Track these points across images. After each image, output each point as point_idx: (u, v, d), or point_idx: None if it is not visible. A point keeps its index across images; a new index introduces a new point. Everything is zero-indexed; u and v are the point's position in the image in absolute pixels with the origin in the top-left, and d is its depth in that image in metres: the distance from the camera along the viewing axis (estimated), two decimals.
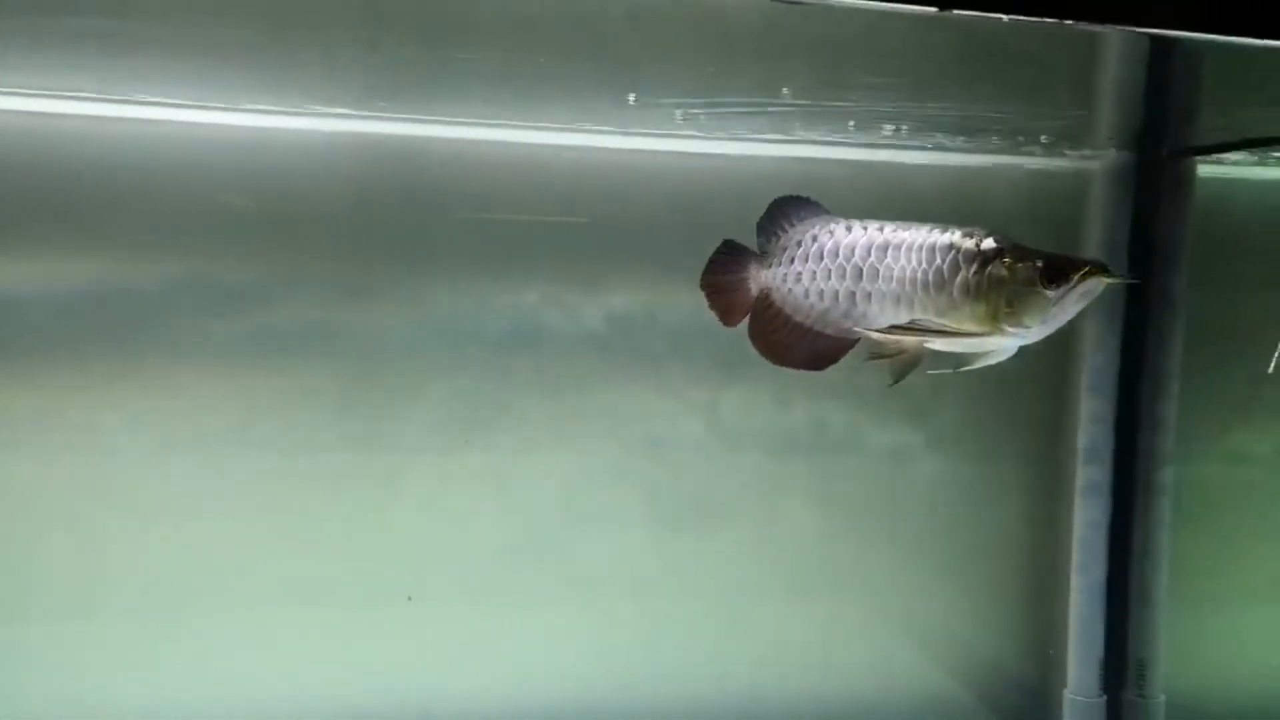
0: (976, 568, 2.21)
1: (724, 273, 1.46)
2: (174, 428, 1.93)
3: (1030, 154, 2.11)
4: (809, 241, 1.40)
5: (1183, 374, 2.10)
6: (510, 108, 1.93)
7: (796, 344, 1.42)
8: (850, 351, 1.40)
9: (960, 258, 1.32)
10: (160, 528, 1.94)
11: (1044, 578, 2.20)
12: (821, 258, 1.39)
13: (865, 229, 1.38)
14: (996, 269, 1.31)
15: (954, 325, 1.34)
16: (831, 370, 2.06)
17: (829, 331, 1.40)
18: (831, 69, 1.64)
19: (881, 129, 1.98)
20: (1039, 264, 1.29)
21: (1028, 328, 1.31)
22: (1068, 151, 2.09)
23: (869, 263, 1.37)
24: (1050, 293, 1.28)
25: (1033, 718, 2.22)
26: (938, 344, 1.36)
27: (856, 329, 1.39)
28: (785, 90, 1.70)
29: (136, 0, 1.38)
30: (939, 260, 1.34)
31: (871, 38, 1.45)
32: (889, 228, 1.37)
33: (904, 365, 1.39)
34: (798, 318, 1.41)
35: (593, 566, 2.09)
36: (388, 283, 2.00)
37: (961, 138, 2.04)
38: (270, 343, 1.96)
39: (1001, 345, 1.35)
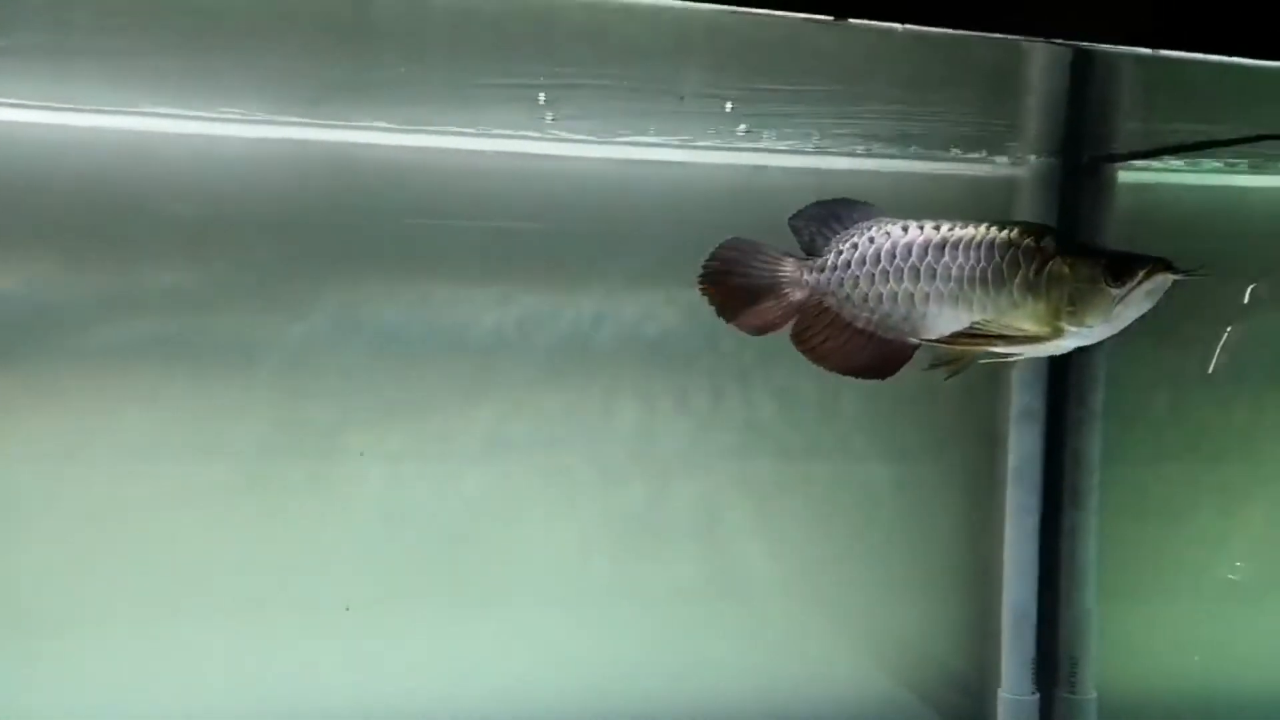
0: (915, 569, 2.23)
1: (748, 275, 1.38)
2: (89, 437, 1.91)
3: (963, 161, 2.14)
4: (865, 243, 1.35)
5: (1110, 376, 2.14)
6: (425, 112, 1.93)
7: (859, 350, 1.37)
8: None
9: (1020, 255, 1.28)
10: (70, 537, 1.91)
11: (980, 578, 2.22)
12: (879, 259, 1.34)
13: (921, 228, 1.34)
14: (1057, 266, 1.27)
15: (1014, 327, 1.30)
16: (768, 369, 2.10)
17: (889, 335, 1.35)
18: (762, 75, 1.65)
19: (812, 137, 2.01)
20: (1103, 261, 1.25)
21: (1090, 327, 1.27)
22: (995, 158, 2.12)
23: (926, 262, 1.32)
24: (1115, 290, 1.24)
25: (971, 716, 2.24)
26: (999, 347, 1.32)
27: (920, 338, 1.34)
28: (683, 94, 1.70)
29: (69, 14, 1.36)
30: (997, 258, 1.29)
31: (798, 45, 1.46)
32: (945, 226, 1.33)
33: (963, 365, 1.36)
34: (858, 323, 1.36)
35: (518, 572, 2.08)
36: (309, 290, 1.98)
37: (895, 146, 2.07)
38: (185, 351, 1.94)
39: (1060, 346, 1.31)
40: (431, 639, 2.06)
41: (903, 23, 1.09)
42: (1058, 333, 1.29)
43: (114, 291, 1.93)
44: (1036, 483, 2.14)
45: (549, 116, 1.84)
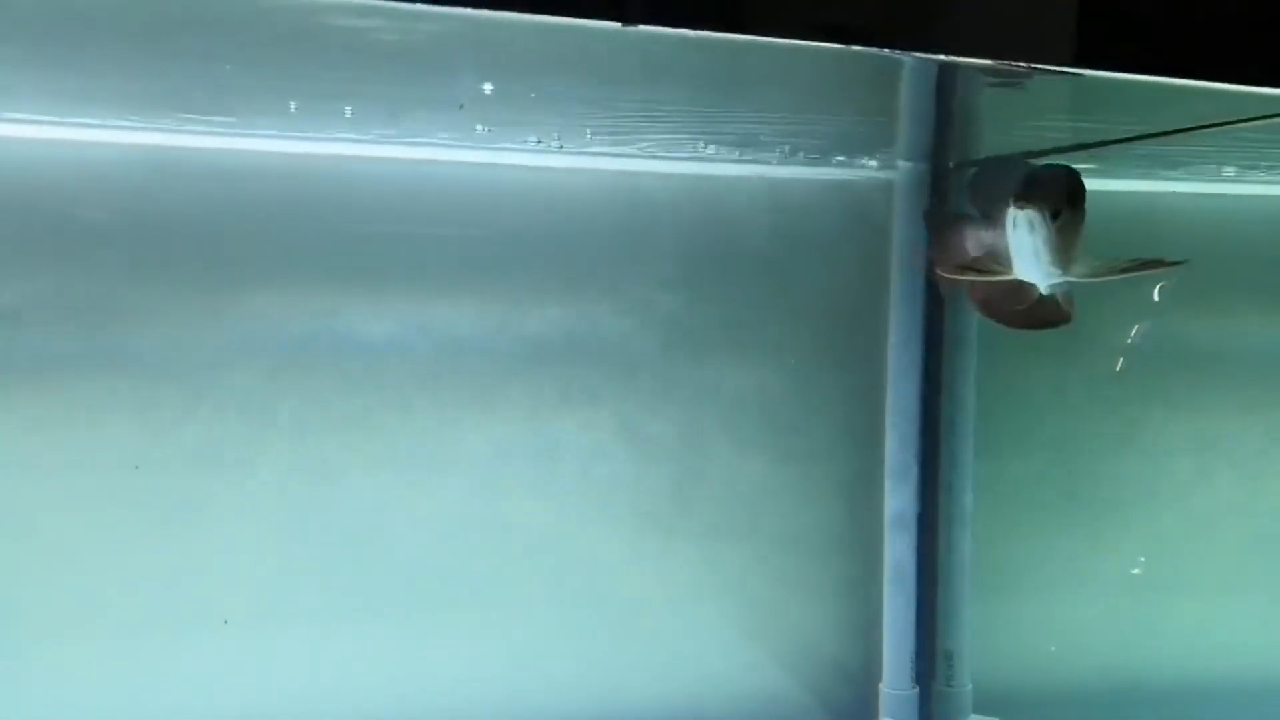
0: (802, 564, 2.26)
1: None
2: None
3: (840, 166, 2.18)
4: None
5: (982, 371, 2.20)
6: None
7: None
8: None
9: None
10: None
11: (864, 573, 2.26)
12: None
13: None
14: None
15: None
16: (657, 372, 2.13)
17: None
18: (624, 84, 1.65)
19: (694, 144, 2.01)
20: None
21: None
22: (867, 162, 2.16)
23: None
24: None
25: (856, 710, 2.28)
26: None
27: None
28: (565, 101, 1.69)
29: None
30: None
31: (676, 56, 1.46)
32: None
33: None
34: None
35: (430, 582, 2.07)
36: (198, 297, 1.94)
37: (774, 152, 2.09)
38: (69, 359, 1.89)
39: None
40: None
41: (692, 29, 1.11)
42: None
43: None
44: (914, 482, 2.19)
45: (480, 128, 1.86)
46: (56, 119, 1.85)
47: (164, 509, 1.96)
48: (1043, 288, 1.67)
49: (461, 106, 1.68)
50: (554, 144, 1.99)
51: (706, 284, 2.17)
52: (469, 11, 1.06)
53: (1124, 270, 1.65)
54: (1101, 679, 2.36)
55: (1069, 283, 1.66)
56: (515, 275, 2.10)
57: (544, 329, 2.11)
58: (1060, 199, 1.55)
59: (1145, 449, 2.37)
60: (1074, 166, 1.64)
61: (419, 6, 1.03)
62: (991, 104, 1.61)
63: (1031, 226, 1.54)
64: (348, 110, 1.76)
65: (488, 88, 1.57)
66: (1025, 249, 1.58)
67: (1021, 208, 1.54)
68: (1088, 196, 1.60)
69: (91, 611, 1.94)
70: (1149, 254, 1.69)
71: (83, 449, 1.92)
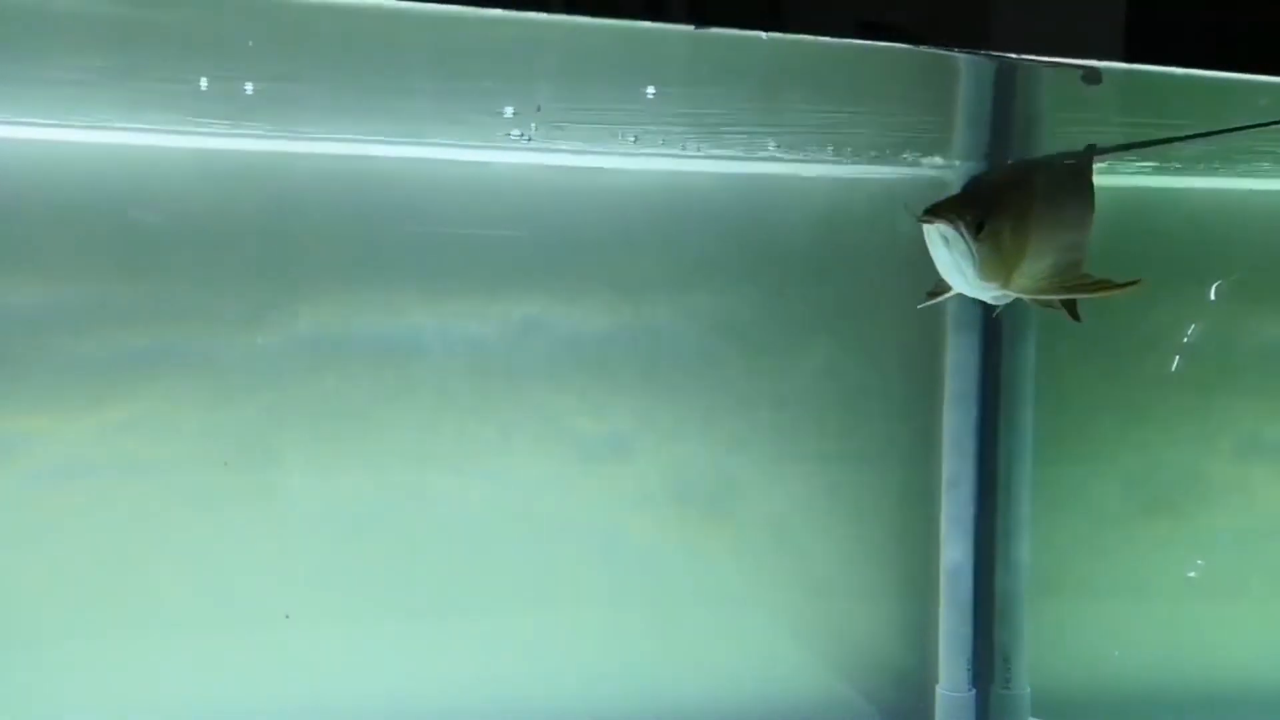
0: (860, 567, 2.25)
1: None
2: (42, 450, 1.89)
3: (896, 165, 2.17)
4: None
5: (1042, 371, 2.17)
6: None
7: None
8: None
9: None
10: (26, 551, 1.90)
11: (920, 576, 2.25)
12: None
13: None
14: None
15: None
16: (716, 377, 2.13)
17: None
18: (688, 85, 1.66)
19: (752, 144, 2.02)
20: None
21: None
22: (922, 161, 2.15)
23: None
24: None
25: (912, 713, 2.26)
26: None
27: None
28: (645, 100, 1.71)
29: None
30: None
31: (729, 55, 1.47)
32: None
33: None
34: None
35: (480, 580, 2.08)
36: (257, 300, 1.97)
37: (826, 151, 2.09)
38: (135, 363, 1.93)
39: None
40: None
41: (765, 31, 1.12)
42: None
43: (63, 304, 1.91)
44: (970, 484, 2.17)
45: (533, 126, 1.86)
46: (123, 125, 1.89)
47: (227, 506, 1.99)
48: (989, 300, 1.58)
49: (539, 108, 1.70)
50: (629, 142, 2.00)
51: (759, 284, 2.18)
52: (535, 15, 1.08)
53: (1072, 288, 1.56)
54: (1164, 685, 2.32)
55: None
56: (566, 273, 2.11)
57: (592, 327, 2.12)
58: (972, 209, 1.44)
59: (1207, 451, 2.33)
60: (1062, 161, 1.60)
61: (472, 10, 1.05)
62: (1073, 100, 1.59)
63: (946, 241, 1.44)
64: (404, 111, 1.80)
65: (548, 92, 1.59)
66: (944, 264, 1.48)
67: (929, 221, 1.44)
68: (1097, 194, 1.54)
69: (158, 607, 1.98)
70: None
71: (151, 450, 1.96)
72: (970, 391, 2.16)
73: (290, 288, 2.00)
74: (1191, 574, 2.32)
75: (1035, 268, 1.53)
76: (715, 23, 1.10)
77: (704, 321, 2.16)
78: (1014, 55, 1.31)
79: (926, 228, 1.44)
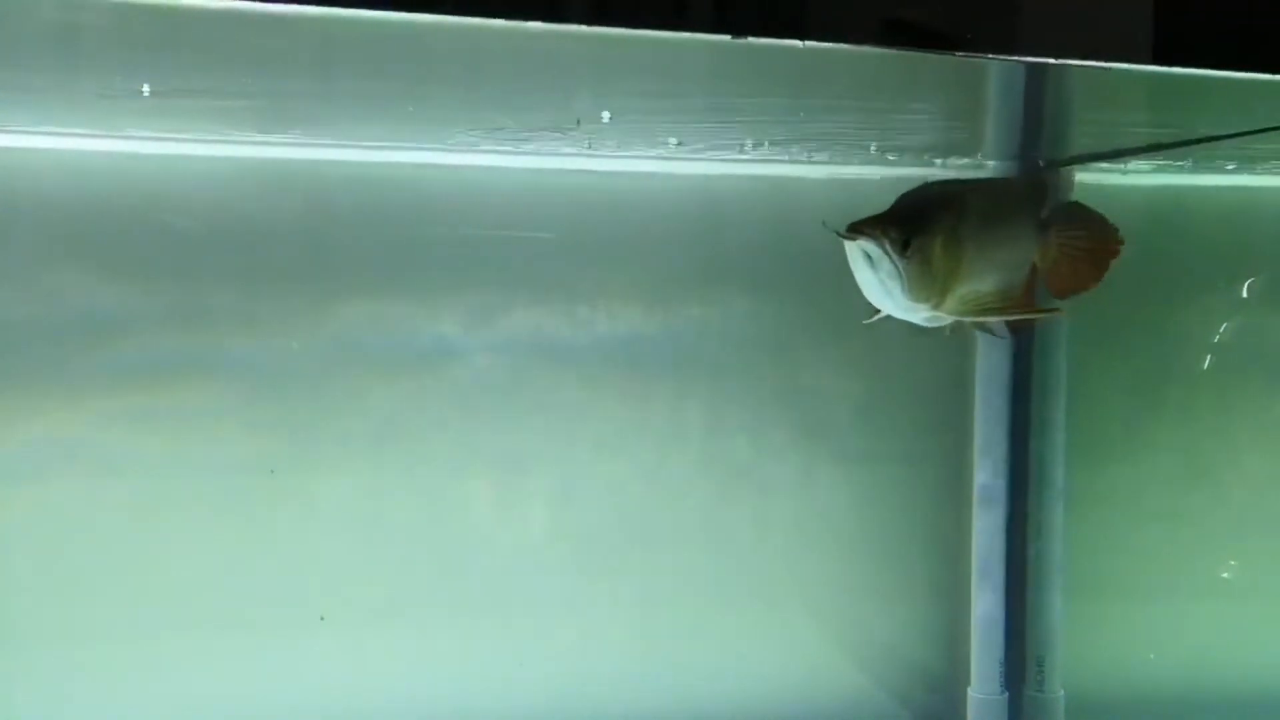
0: (890, 569, 2.25)
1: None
2: (82, 453, 1.92)
3: (926, 165, 2.16)
4: None
5: (1073, 375, 2.16)
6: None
7: None
8: None
9: None
10: (63, 553, 1.92)
11: (950, 578, 2.24)
12: None
13: None
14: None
15: None
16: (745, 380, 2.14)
17: None
18: (722, 89, 1.67)
19: (774, 145, 2.02)
20: None
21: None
22: (954, 161, 2.14)
23: None
24: None
25: (944, 716, 2.26)
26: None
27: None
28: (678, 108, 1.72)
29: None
30: None
31: (758, 61, 1.47)
32: None
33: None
34: None
35: (514, 583, 2.09)
36: (289, 305, 1.99)
37: (858, 152, 2.09)
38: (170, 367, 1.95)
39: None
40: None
41: (801, 39, 1.12)
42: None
43: (98, 310, 1.93)
44: (1003, 485, 2.16)
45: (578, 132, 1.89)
46: (177, 135, 1.92)
47: (264, 509, 2.01)
48: (918, 322, 1.48)
49: (578, 122, 1.71)
50: (671, 147, 2.01)
51: (790, 284, 2.18)
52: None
53: (998, 310, 1.48)
54: (1201, 688, 2.30)
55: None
56: (605, 278, 2.12)
57: (627, 333, 2.13)
58: (898, 226, 1.36)
59: (1244, 450, 2.30)
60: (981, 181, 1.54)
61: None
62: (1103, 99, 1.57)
63: (870, 259, 1.36)
64: (449, 119, 1.81)
65: (601, 104, 1.59)
66: (868, 285, 1.40)
67: (850, 238, 1.36)
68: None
69: (199, 607, 1.99)
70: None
71: (190, 452, 1.97)
72: (1002, 392, 2.15)
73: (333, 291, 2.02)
74: (1225, 574, 2.30)
75: (972, 290, 1.44)
76: (751, 33, 1.09)
77: (737, 321, 2.16)
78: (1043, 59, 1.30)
79: (848, 245, 1.36)
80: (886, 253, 1.34)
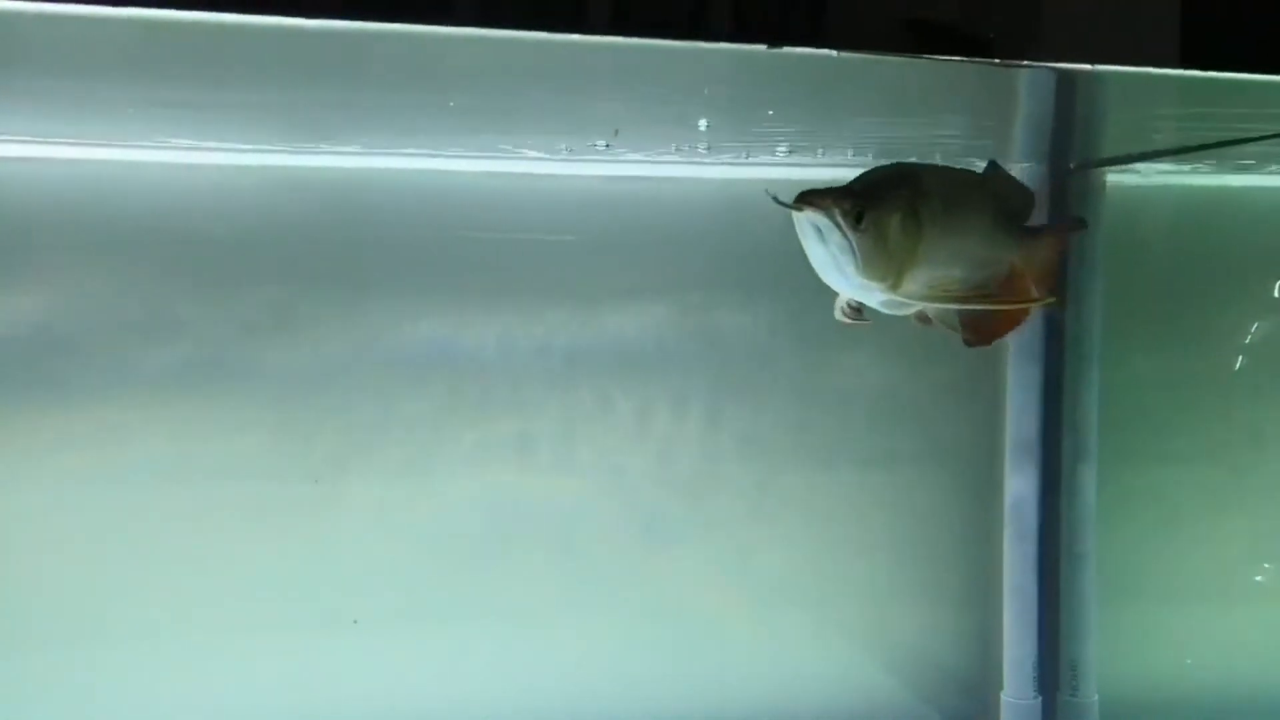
0: (920, 572, 2.24)
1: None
2: (105, 460, 1.95)
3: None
4: None
5: (1108, 373, 2.15)
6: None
7: None
8: None
9: None
10: (93, 559, 1.95)
11: (983, 580, 2.24)
12: None
13: None
14: None
15: None
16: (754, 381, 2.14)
17: None
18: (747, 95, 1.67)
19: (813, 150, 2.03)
20: None
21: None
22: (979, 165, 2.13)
23: None
24: None
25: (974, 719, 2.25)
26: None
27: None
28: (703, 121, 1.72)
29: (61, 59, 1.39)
30: None
31: (790, 67, 1.48)
32: None
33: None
34: None
35: (539, 586, 2.11)
36: (316, 312, 2.01)
37: (886, 156, 2.08)
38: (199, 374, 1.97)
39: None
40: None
41: (836, 49, 1.13)
42: None
43: (120, 320, 1.96)
44: (1035, 487, 2.15)
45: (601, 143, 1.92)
46: (214, 144, 1.95)
47: (296, 514, 2.03)
48: (873, 304, 1.40)
49: (617, 132, 1.71)
50: (701, 151, 2.02)
51: (816, 285, 2.17)
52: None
53: (966, 299, 1.41)
54: (1238, 694, 2.28)
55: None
56: (629, 281, 2.13)
57: (655, 334, 2.14)
58: (851, 198, 1.27)
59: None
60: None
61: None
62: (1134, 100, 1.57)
63: (820, 233, 1.27)
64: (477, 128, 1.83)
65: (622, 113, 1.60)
66: (819, 261, 1.31)
67: (798, 209, 1.26)
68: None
69: (232, 611, 2.02)
70: None
71: (219, 458, 2.00)
72: (1033, 391, 2.14)
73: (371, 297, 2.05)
74: (1259, 578, 2.28)
75: (932, 274, 1.36)
76: (788, 42, 1.10)
77: (764, 322, 2.17)
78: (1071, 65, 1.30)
79: (797, 217, 1.27)
80: (837, 224, 1.26)
